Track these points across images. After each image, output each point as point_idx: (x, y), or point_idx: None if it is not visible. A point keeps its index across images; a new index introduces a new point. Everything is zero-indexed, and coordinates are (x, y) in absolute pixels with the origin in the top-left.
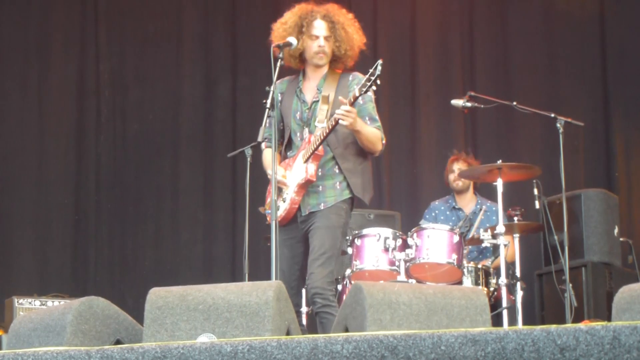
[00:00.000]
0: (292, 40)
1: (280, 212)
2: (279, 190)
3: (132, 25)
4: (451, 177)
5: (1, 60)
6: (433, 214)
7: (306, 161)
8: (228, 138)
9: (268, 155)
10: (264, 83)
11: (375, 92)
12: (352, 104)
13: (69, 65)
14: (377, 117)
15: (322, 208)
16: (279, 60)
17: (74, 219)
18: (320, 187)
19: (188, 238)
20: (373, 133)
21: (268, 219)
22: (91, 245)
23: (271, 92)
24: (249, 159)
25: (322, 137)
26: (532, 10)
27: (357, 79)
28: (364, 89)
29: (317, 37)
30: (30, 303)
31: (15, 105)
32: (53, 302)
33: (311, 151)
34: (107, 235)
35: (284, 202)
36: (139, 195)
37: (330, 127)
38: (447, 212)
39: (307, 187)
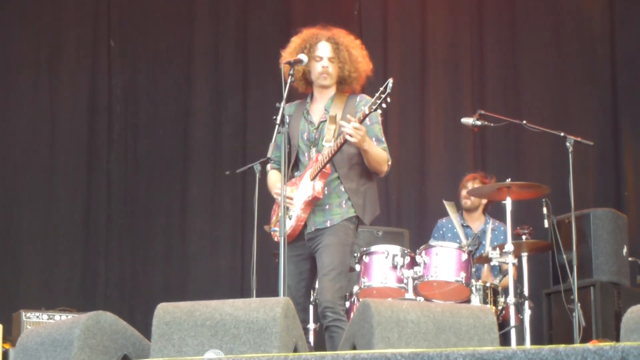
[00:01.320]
0: (303, 57)
1: (286, 229)
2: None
3: (144, 40)
4: (463, 193)
5: (13, 75)
6: (441, 232)
7: (313, 179)
8: (238, 154)
9: (273, 176)
10: (274, 99)
11: (382, 112)
12: (361, 122)
13: (80, 80)
14: (383, 139)
15: (328, 225)
16: (290, 77)
17: (84, 234)
18: (327, 205)
19: (197, 254)
20: (380, 154)
21: (273, 236)
22: (101, 260)
23: (281, 109)
24: (257, 175)
25: (329, 156)
26: (542, 29)
27: (365, 100)
28: (374, 107)
29: (321, 58)
30: (37, 317)
31: (27, 120)
32: (61, 316)
33: (319, 169)
34: (116, 251)
35: (290, 219)
36: (149, 211)
37: (338, 145)
38: (455, 230)
39: (314, 204)
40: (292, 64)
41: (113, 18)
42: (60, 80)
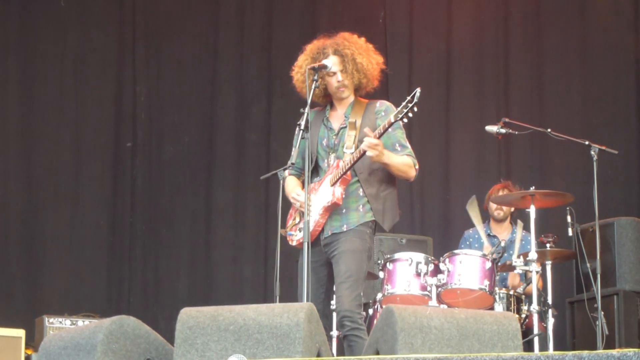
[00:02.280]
0: (328, 62)
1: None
2: (303, 213)
3: (169, 48)
4: (493, 205)
5: (38, 82)
6: (467, 243)
7: (333, 185)
8: (262, 161)
9: (290, 182)
10: (298, 106)
11: (404, 120)
12: (386, 130)
13: (105, 87)
14: (407, 144)
15: (345, 230)
16: (314, 82)
17: (108, 241)
18: (344, 209)
19: (221, 260)
20: (403, 162)
21: (289, 240)
22: (125, 267)
23: (305, 114)
24: (281, 182)
25: (351, 163)
26: (568, 37)
27: (386, 106)
28: (400, 115)
29: (334, 74)
30: (60, 322)
31: (52, 127)
32: (84, 321)
33: (339, 175)
34: (141, 257)
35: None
36: (174, 218)
37: (360, 152)
38: (482, 240)
39: (332, 210)
40: (316, 70)
41: (138, 25)
42: (86, 87)
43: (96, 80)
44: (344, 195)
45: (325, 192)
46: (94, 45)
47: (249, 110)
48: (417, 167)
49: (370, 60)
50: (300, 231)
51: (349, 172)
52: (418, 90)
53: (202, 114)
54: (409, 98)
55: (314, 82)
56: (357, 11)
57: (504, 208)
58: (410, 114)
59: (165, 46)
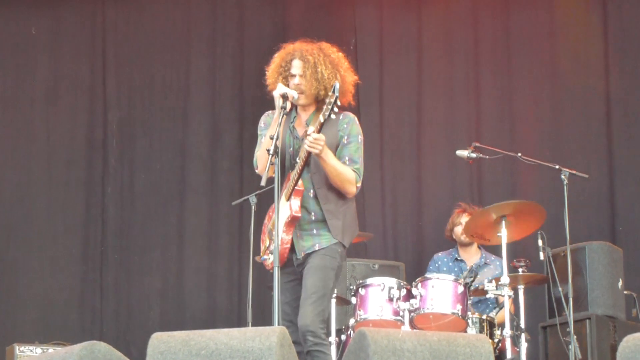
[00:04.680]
0: (294, 93)
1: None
2: (270, 234)
3: (140, 75)
4: (458, 229)
5: (9, 109)
6: (436, 265)
7: (288, 199)
8: (235, 187)
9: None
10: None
11: (331, 116)
12: (319, 131)
13: (77, 114)
14: (358, 160)
15: (317, 248)
16: (283, 109)
17: (81, 269)
18: (315, 230)
19: (193, 288)
20: (344, 171)
21: (265, 265)
22: (97, 295)
23: (274, 140)
24: (253, 207)
25: (298, 172)
26: (538, 62)
27: (348, 118)
28: (327, 113)
29: (293, 76)
30: (31, 351)
31: (24, 154)
32: (55, 349)
33: (292, 188)
34: (113, 286)
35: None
36: (145, 245)
37: (303, 159)
38: (450, 264)
39: (295, 224)
40: (285, 98)
41: (109, 52)
42: (57, 115)
43: (67, 107)
44: (311, 216)
45: (284, 209)
46: (65, 72)
47: (221, 137)
48: (358, 185)
49: (336, 74)
50: (271, 254)
51: (300, 182)
52: (337, 83)
53: (174, 141)
54: (330, 94)
55: (282, 109)
56: (328, 38)
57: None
58: (336, 109)
59: (136, 73)
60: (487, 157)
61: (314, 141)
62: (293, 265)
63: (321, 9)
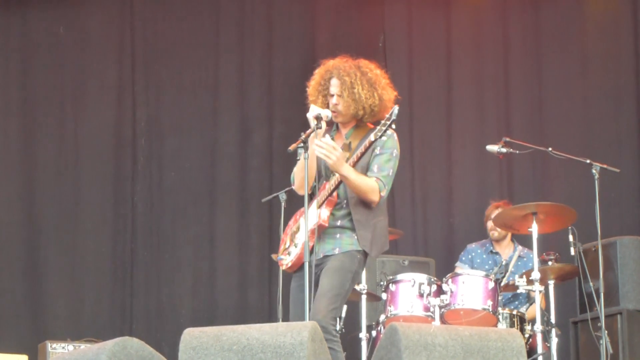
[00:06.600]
0: (328, 113)
1: (292, 258)
2: (292, 236)
3: (169, 73)
4: (489, 224)
5: (38, 108)
6: (469, 257)
7: (319, 207)
8: (264, 186)
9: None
10: (299, 130)
11: (383, 138)
12: (367, 149)
13: (105, 113)
14: (386, 169)
15: (336, 252)
16: (318, 129)
17: (110, 267)
18: (338, 234)
19: (224, 285)
20: (364, 182)
21: (280, 265)
22: (127, 293)
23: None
24: (283, 204)
25: (335, 184)
26: (568, 57)
27: (387, 134)
28: (379, 134)
29: (332, 96)
30: (63, 348)
31: (52, 153)
32: (87, 346)
33: (325, 197)
34: (143, 284)
35: (296, 247)
36: (176, 243)
37: (339, 178)
38: (484, 256)
39: (320, 232)
40: (319, 119)
41: (137, 51)
42: (85, 114)
43: (96, 106)
44: (337, 222)
45: (312, 215)
46: (93, 71)
47: (250, 136)
48: (382, 194)
49: (374, 93)
50: (289, 255)
51: (335, 194)
52: (396, 107)
53: (203, 140)
54: (387, 116)
55: (318, 128)
56: (357, 36)
57: (498, 229)
58: (389, 131)
59: (165, 72)
60: (517, 151)
61: (323, 145)
62: (310, 265)
63: (350, 7)
